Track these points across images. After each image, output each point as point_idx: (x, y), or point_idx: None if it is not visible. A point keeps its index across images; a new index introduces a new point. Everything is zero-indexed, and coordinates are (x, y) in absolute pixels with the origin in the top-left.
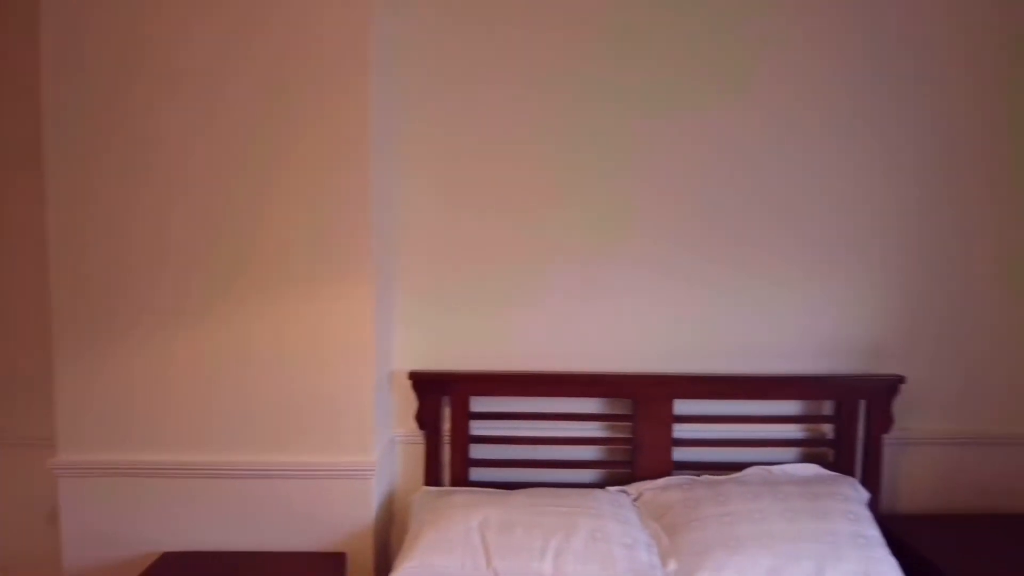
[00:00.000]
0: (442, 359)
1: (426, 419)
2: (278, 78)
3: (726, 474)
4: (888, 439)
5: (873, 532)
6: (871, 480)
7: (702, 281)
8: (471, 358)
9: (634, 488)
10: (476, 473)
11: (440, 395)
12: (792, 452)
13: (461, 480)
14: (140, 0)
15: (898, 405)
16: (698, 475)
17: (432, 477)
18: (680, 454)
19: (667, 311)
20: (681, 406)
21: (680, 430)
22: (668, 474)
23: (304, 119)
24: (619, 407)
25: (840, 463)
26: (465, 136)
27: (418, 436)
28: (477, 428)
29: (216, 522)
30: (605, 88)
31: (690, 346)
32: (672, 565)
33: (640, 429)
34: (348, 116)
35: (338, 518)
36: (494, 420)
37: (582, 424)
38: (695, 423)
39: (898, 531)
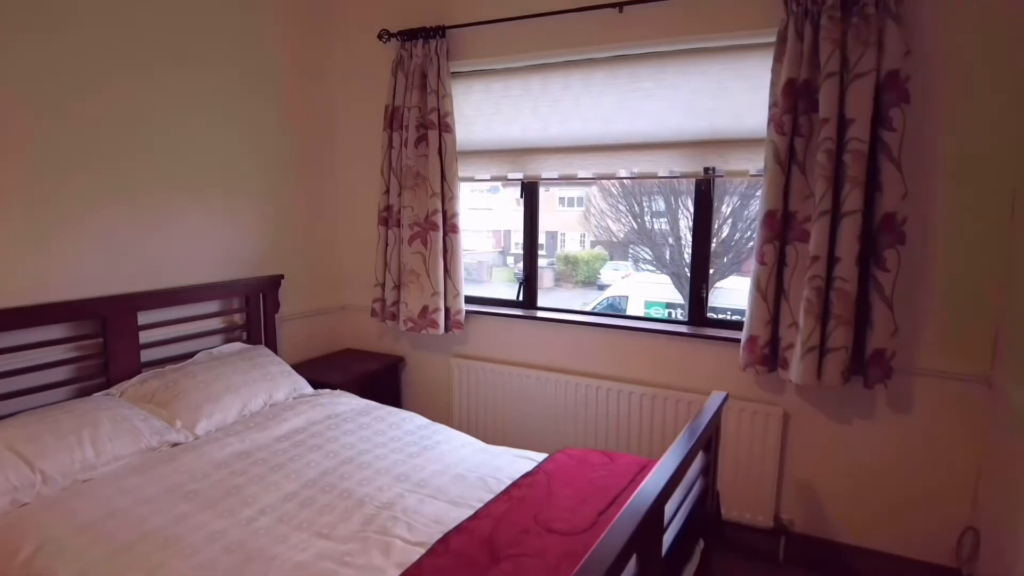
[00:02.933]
0: None
1: None
2: None
3: (183, 363)
4: (278, 317)
5: (289, 368)
6: (271, 345)
7: (152, 219)
8: None
9: (115, 389)
10: None
11: None
12: (219, 338)
13: None
14: None
15: (281, 294)
16: (162, 368)
17: None
18: (146, 356)
19: (123, 246)
20: (144, 317)
21: (147, 336)
22: (139, 373)
23: None
24: (87, 328)
25: (252, 338)
26: None
27: None
28: None
29: None
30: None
31: (145, 268)
32: (179, 423)
33: (112, 342)
34: None
35: None
36: None
37: (52, 349)
38: (154, 328)
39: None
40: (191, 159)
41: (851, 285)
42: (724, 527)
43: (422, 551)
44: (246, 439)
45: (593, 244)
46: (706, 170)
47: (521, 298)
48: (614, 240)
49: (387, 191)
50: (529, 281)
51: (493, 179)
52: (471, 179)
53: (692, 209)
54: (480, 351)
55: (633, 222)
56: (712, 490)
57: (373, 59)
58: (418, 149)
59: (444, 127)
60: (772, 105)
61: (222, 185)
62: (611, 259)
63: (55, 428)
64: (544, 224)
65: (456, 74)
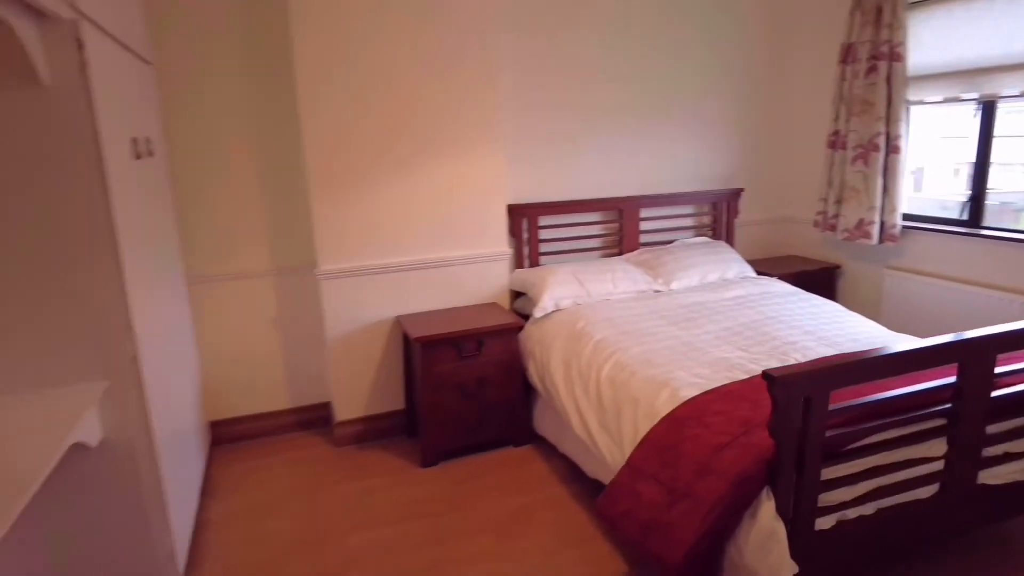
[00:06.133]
0: (519, 195)
1: (515, 231)
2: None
3: (665, 245)
4: (737, 222)
5: (739, 257)
6: (729, 242)
7: (651, 145)
8: (536, 193)
9: (624, 256)
10: (543, 260)
11: (522, 217)
12: (690, 232)
13: (536, 263)
14: None
15: (741, 203)
16: (652, 247)
17: (519, 264)
18: (643, 239)
19: (633, 161)
20: (643, 212)
21: (643, 225)
22: (638, 248)
23: (458, 63)
24: (611, 216)
25: (716, 235)
26: (536, 57)
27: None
28: (542, 235)
29: (424, 295)
30: (595, 38)
31: (645, 179)
32: (660, 280)
33: (625, 226)
34: (480, 63)
35: (490, 286)
36: (551, 229)
37: (592, 227)
38: (649, 220)
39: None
40: (676, 103)
41: None
42: None
43: None
44: (702, 295)
45: None
46: None
47: (966, 217)
48: None
49: (836, 118)
50: (976, 200)
51: (945, 100)
52: (920, 102)
53: None
54: (915, 264)
55: None
56: None
57: (827, 3)
58: (867, 79)
59: (895, 56)
60: None
61: (697, 119)
62: None
63: (595, 270)
64: None
65: (913, 4)
